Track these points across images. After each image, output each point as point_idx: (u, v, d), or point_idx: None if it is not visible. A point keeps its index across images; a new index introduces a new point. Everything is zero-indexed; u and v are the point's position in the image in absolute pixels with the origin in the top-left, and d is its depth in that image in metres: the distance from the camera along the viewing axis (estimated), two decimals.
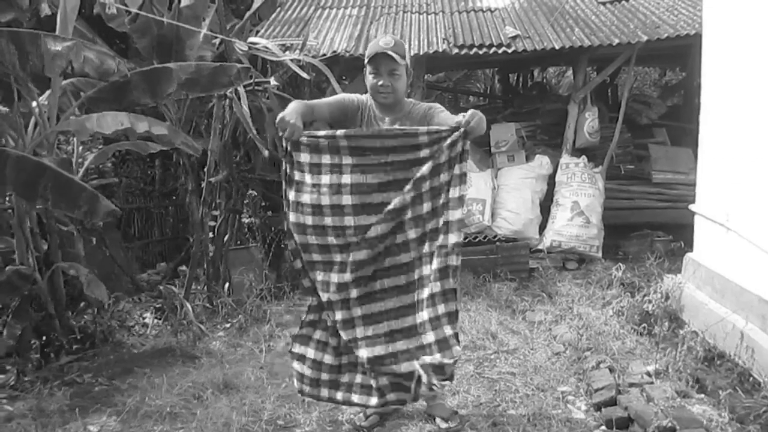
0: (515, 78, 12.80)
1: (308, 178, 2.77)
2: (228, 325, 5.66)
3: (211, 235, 6.68)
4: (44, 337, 4.85)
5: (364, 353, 3.00)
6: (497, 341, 4.83)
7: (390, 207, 2.79)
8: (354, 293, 2.95)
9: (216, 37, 6.23)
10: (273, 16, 8.08)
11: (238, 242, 7.05)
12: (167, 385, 4.22)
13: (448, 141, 2.70)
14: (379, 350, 2.98)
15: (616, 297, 5.39)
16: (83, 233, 5.57)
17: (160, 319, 5.75)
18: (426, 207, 2.83)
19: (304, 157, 2.77)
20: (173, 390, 4.15)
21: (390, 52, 2.99)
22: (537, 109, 8.99)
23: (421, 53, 6.99)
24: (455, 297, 2.93)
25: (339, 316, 3.00)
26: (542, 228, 7.17)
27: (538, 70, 13.16)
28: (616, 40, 6.96)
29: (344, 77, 8.35)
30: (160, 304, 6.07)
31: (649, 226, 7.47)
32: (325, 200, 2.76)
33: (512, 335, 5.00)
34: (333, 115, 3.15)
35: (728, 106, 4.61)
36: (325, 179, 2.75)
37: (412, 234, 2.86)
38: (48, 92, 4.95)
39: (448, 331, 2.90)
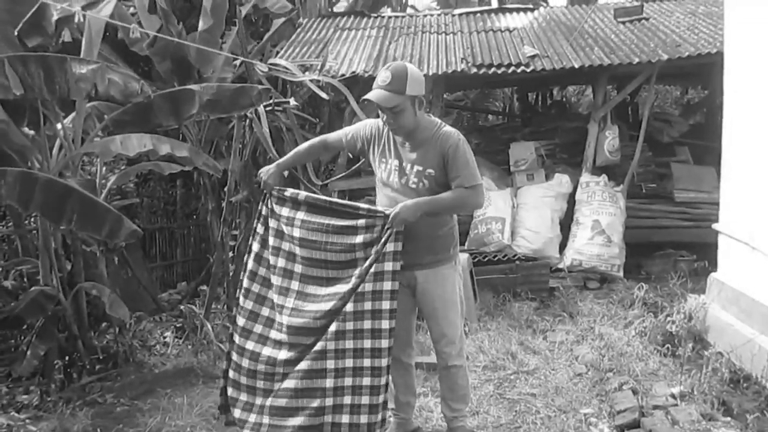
0: (534, 97, 12.78)
1: (272, 223, 3.20)
2: None
3: (231, 254, 6.72)
4: (67, 358, 4.90)
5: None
6: (517, 361, 4.78)
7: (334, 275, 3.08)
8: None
9: (236, 59, 6.31)
10: (292, 37, 8.19)
11: None
12: (188, 406, 4.23)
13: (383, 238, 2.96)
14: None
15: (639, 317, 5.31)
16: (106, 253, 5.62)
17: (180, 338, 5.77)
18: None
19: (272, 205, 3.21)
20: (194, 410, 4.16)
21: (380, 97, 2.94)
22: (556, 127, 8.96)
23: (440, 73, 7.03)
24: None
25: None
26: (562, 247, 7.12)
27: (558, 88, 13.12)
28: (636, 59, 6.94)
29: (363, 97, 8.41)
30: (180, 323, 6.09)
31: (672, 245, 7.37)
32: (286, 246, 3.16)
33: (533, 355, 4.95)
34: (348, 147, 3.36)
35: (751, 125, 4.57)
36: (287, 229, 3.13)
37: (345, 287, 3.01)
38: (72, 115, 5.04)
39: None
